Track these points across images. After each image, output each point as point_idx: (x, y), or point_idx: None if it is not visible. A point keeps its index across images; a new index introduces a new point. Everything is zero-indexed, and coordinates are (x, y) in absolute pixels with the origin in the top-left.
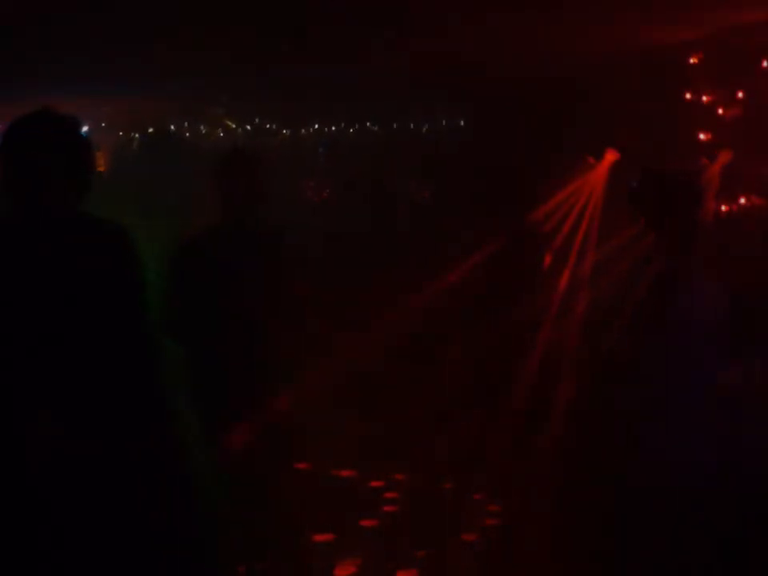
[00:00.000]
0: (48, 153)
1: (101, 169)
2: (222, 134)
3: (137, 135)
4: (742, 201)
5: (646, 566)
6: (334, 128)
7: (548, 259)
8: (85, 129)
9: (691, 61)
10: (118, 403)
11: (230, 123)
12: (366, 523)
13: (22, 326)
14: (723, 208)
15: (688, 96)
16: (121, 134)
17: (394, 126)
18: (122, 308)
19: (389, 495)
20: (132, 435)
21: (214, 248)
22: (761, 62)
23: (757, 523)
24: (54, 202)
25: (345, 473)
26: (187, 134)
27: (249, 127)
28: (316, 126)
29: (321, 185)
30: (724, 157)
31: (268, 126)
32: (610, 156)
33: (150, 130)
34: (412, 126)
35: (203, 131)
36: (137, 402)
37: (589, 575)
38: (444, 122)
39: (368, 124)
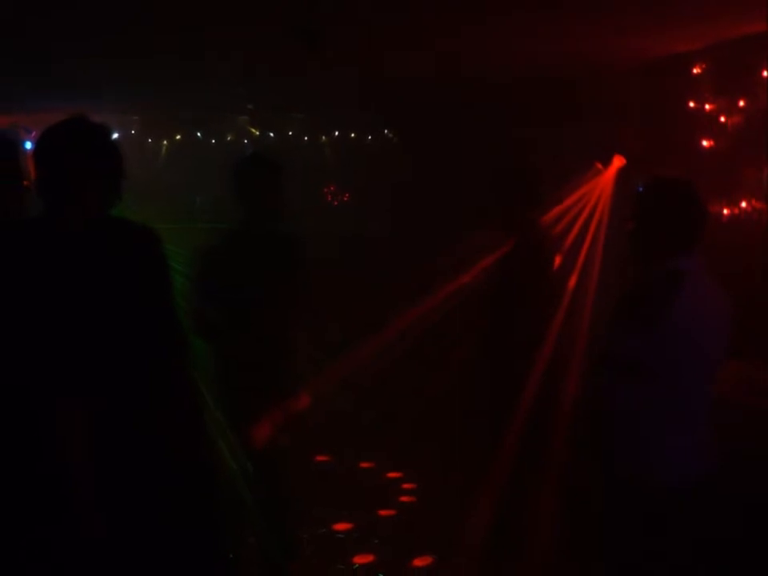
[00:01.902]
0: (82, 157)
1: (130, 174)
2: (246, 141)
3: (165, 142)
4: (743, 204)
5: (648, 565)
6: (353, 135)
7: (558, 261)
8: (115, 136)
9: (694, 71)
10: (146, 395)
11: (253, 130)
12: (384, 513)
13: (54, 325)
14: (725, 211)
15: (691, 104)
16: (150, 140)
17: (408, 132)
18: (152, 305)
19: (406, 486)
20: (159, 427)
21: (234, 252)
22: (761, 72)
23: (757, 523)
24: (87, 205)
25: (364, 465)
26: (213, 141)
27: (272, 134)
28: (336, 134)
29: (340, 190)
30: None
31: (290, 133)
32: (617, 162)
33: (178, 137)
34: (425, 132)
35: (228, 138)
36: (166, 394)
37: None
38: (455, 126)
39: (385, 131)
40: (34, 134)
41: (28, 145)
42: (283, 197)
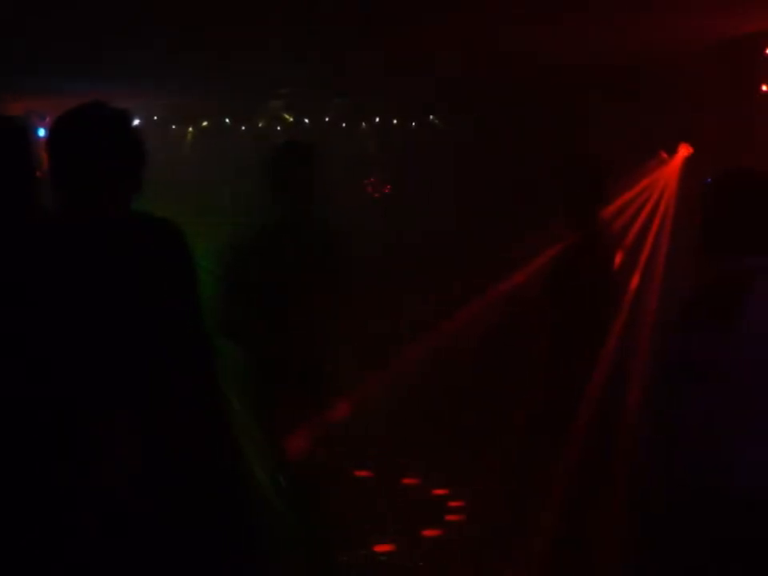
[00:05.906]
0: (98, 147)
1: (152, 164)
2: (279, 129)
3: (190, 129)
4: None
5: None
6: (395, 121)
7: (619, 258)
8: (136, 122)
9: (767, 51)
10: (172, 402)
11: (287, 117)
12: (428, 533)
13: (78, 326)
14: None
15: (764, 88)
16: (174, 127)
17: (459, 119)
18: (178, 306)
19: (453, 504)
20: (186, 435)
21: (266, 249)
22: None
23: None
24: (104, 199)
25: (406, 481)
26: (243, 128)
27: (307, 121)
28: (377, 120)
29: (381, 180)
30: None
31: (327, 119)
32: (684, 150)
33: (205, 123)
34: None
35: (260, 125)
36: (193, 402)
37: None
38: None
39: (431, 117)
40: (48, 119)
41: (41, 132)
42: (314, 187)
